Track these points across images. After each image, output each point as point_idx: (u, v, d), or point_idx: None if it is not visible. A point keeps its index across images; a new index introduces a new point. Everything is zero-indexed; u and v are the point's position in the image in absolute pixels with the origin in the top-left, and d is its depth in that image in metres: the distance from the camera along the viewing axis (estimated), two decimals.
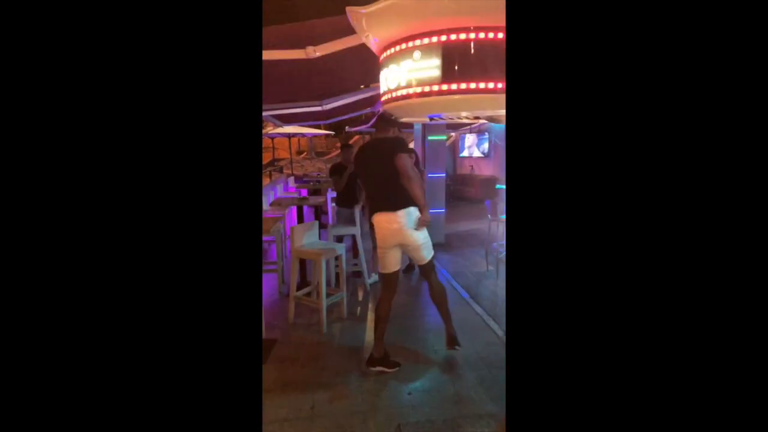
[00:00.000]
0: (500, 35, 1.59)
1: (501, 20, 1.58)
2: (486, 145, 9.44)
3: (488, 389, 2.22)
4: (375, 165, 2.21)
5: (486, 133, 9.28)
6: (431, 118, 2.05)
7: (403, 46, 1.68)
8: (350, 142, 7.95)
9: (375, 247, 4.09)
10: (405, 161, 2.07)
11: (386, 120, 2.24)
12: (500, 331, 2.89)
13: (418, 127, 5.30)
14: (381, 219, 2.28)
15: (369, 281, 3.90)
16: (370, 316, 3.36)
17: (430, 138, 5.11)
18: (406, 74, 1.67)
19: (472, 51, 1.62)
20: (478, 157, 9.76)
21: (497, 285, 3.90)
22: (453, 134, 10.26)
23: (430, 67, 1.61)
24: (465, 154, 10.12)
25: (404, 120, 2.13)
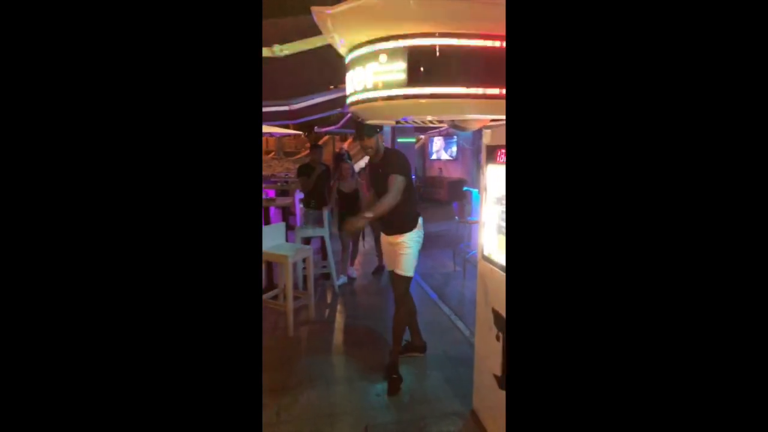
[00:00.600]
0: (464, 42, 1.62)
1: (466, 27, 1.61)
2: (454, 148, 9.64)
3: (455, 388, 2.26)
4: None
5: (454, 137, 9.47)
6: (397, 122, 2.06)
7: (369, 48, 1.69)
8: (319, 142, 7.87)
9: (344, 249, 4.08)
10: None
11: (367, 125, 2.22)
12: (467, 331, 2.95)
13: (387, 130, 5.34)
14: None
15: (338, 283, 3.88)
16: (339, 319, 3.33)
17: (399, 140, 5.16)
18: (372, 77, 1.68)
19: (437, 56, 1.64)
20: (447, 160, 9.94)
21: (464, 285, 3.98)
22: (422, 137, 10.40)
23: (396, 70, 1.62)
24: (434, 156, 10.29)
25: (371, 122, 2.13)
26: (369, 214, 2.14)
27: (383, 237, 2.45)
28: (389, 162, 2.29)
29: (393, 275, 2.37)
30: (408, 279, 2.34)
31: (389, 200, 2.15)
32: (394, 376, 2.29)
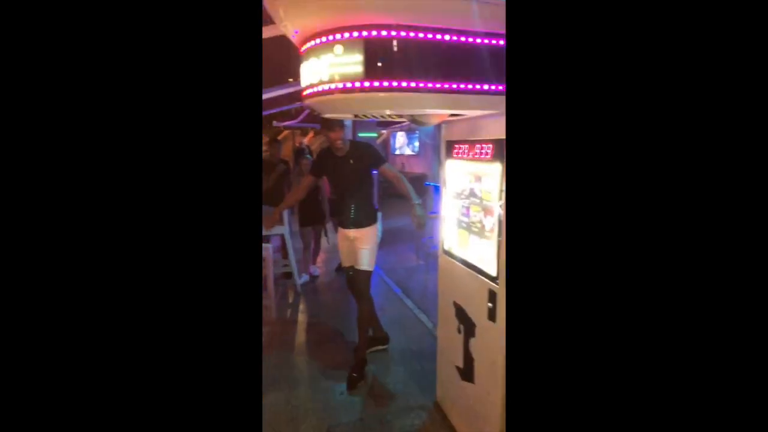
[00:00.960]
0: (421, 35, 1.61)
1: (424, 20, 1.60)
2: (416, 144, 9.72)
3: (418, 382, 2.28)
4: None
5: (416, 132, 9.55)
6: (356, 115, 2.02)
7: (324, 39, 1.63)
8: (279, 137, 7.63)
9: (305, 248, 3.99)
10: None
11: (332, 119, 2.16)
12: (430, 324, 2.99)
13: (348, 125, 5.26)
14: None
15: (300, 282, 3.79)
16: (301, 319, 3.26)
17: (360, 135, 5.11)
18: (328, 69, 1.63)
19: (395, 49, 1.61)
20: (409, 155, 10.01)
21: (427, 279, 4.03)
22: (384, 132, 10.40)
23: (352, 62, 1.58)
24: (397, 152, 10.32)
25: (328, 116, 2.08)
26: (418, 201, 2.22)
27: (340, 231, 2.41)
28: (365, 155, 2.33)
29: (352, 271, 2.34)
30: (368, 273, 2.33)
31: (405, 182, 2.31)
32: (354, 374, 2.26)
